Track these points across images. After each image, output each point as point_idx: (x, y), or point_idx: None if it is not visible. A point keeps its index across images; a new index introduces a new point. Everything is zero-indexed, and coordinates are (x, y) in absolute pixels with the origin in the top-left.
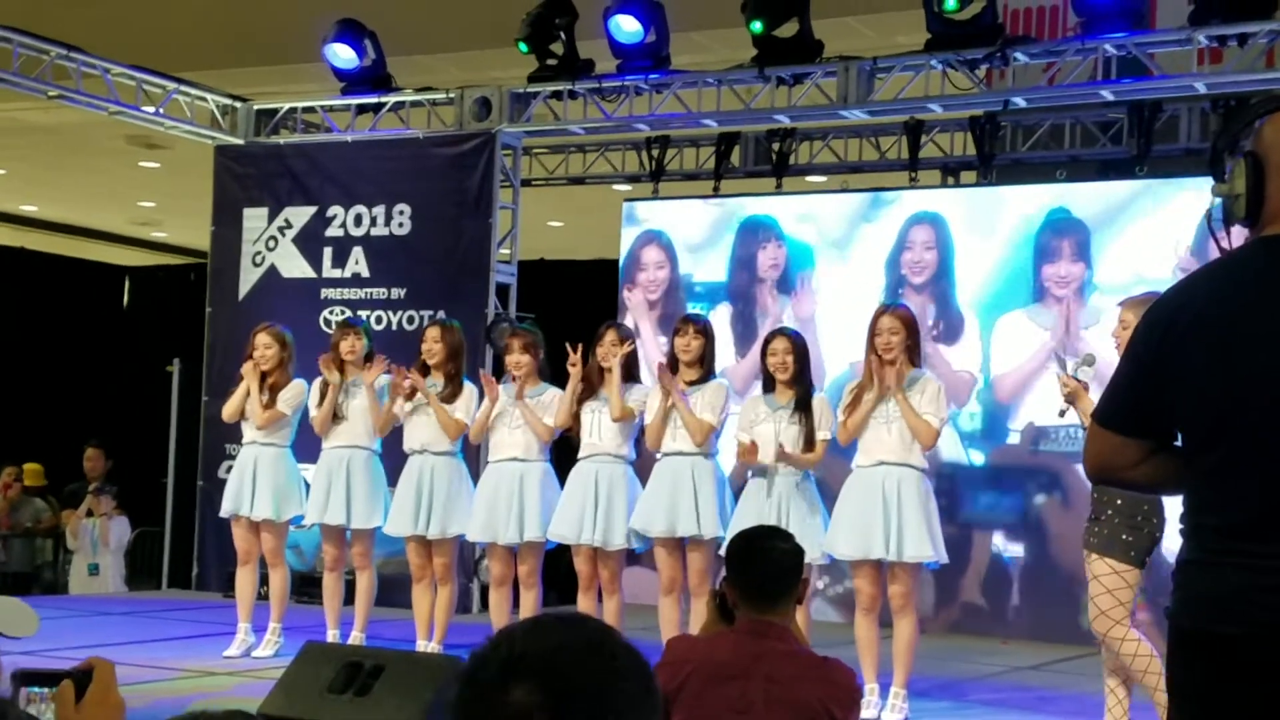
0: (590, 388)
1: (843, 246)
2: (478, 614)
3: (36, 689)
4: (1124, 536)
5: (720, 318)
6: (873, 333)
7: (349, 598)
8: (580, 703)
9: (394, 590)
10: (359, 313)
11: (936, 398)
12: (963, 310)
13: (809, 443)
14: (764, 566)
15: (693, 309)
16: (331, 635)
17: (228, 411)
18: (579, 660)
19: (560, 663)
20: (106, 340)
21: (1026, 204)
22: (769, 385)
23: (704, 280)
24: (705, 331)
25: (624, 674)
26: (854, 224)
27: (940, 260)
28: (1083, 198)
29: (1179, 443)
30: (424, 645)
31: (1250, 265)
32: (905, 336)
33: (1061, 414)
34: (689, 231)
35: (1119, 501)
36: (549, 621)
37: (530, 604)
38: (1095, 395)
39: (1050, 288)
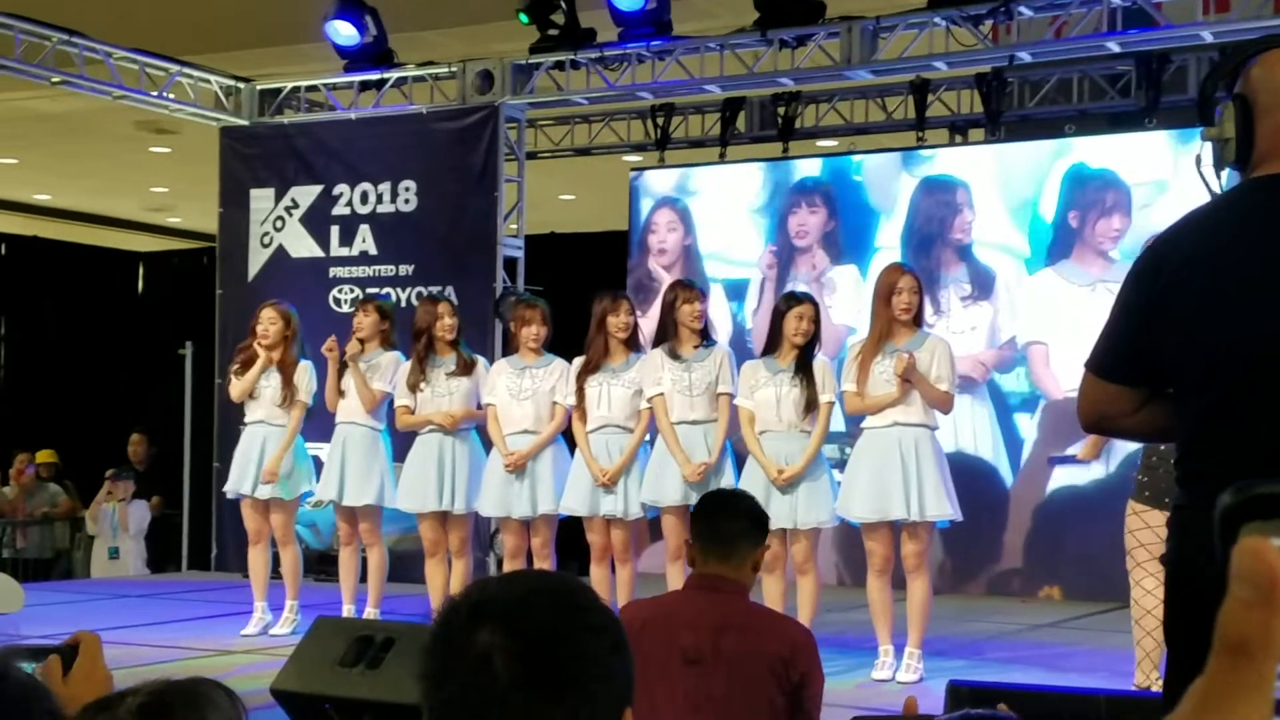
0: (596, 360)
1: (886, 210)
2: None
3: (23, 664)
4: (1140, 478)
5: (754, 284)
6: (891, 290)
7: (365, 574)
8: (545, 650)
9: (409, 565)
10: (368, 290)
11: (948, 360)
12: (995, 270)
13: (811, 405)
14: (718, 516)
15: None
16: (347, 611)
17: (237, 393)
18: (547, 608)
19: (527, 608)
20: (122, 326)
21: (1048, 159)
22: (771, 347)
23: (728, 251)
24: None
25: (593, 628)
26: (889, 187)
27: (968, 220)
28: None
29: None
30: None
31: (1239, 208)
32: (921, 299)
33: None
34: (724, 195)
35: (1142, 446)
36: (527, 572)
37: None
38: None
39: (1103, 244)
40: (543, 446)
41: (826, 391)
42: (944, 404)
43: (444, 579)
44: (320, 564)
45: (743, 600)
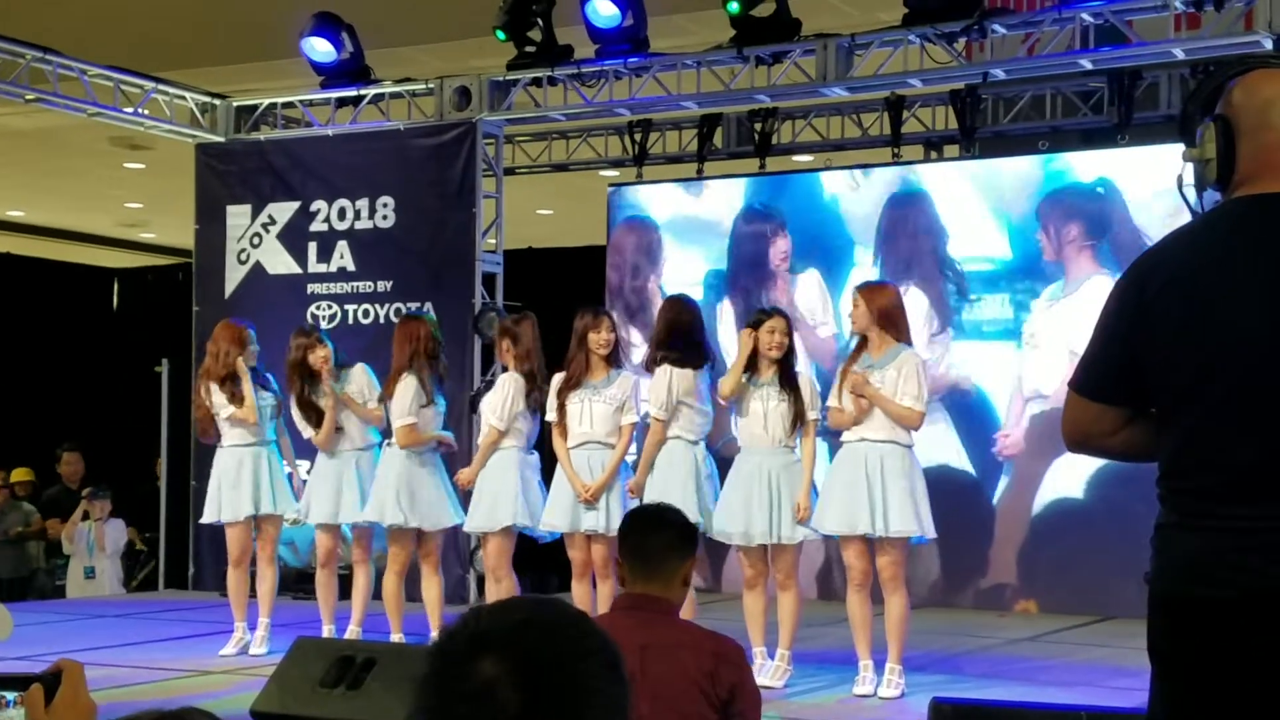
0: (577, 376)
1: (855, 222)
2: (475, 604)
3: (4, 693)
4: None
5: (725, 307)
6: (852, 308)
7: (344, 593)
8: (546, 676)
9: None
10: (345, 307)
11: (915, 376)
12: (971, 282)
13: (798, 421)
14: (642, 532)
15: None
16: (327, 631)
17: (255, 415)
18: (546, 635)
19: (527, 636)
20: (97, 343)
21: (1025, 174)
22: (750, 363)
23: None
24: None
25: (591, 651)
26: (860, 199)
27: (944, 234)
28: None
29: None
30: (397, 637)
31: (1221, 227)
32: (875, 315)
33: None
34: (685, 218)
35: None
36: (520, 600)
37: (505, 595)
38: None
39: (1067, 251)
40: (481, 464)
41: (813, 409)
42: (908, 420)
43: (402, 592)
44: (298, 582)
45: (667, 618)
